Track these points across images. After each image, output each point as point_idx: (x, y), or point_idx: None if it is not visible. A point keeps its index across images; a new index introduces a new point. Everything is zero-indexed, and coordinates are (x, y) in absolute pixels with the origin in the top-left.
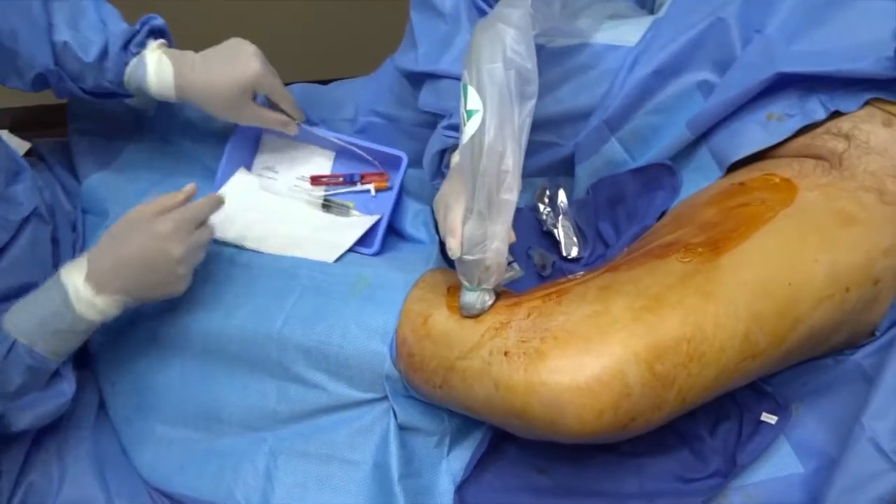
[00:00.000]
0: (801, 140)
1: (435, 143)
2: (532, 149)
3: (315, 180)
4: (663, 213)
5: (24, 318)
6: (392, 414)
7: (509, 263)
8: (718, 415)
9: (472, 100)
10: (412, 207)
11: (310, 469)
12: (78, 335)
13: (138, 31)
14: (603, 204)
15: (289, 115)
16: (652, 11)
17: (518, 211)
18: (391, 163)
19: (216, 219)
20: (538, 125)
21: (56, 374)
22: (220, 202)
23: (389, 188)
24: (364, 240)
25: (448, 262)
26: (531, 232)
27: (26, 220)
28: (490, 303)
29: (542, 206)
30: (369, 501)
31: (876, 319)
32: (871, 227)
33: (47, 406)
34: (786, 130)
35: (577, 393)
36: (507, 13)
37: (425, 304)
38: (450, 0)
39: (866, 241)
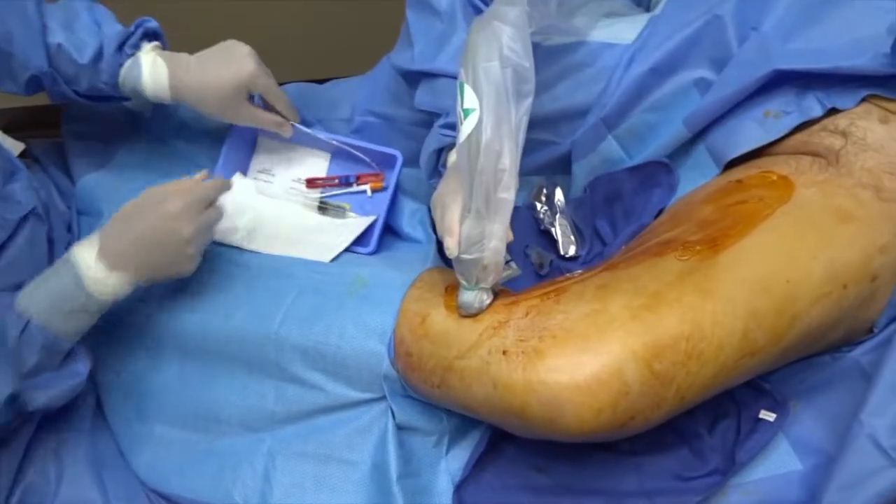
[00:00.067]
0: (798, 137)
1: (431, 142)
2: (529, 147)
3: (311, 183)
4: (660, 211)
5: (37, 298)
6: (390, 414)
7: (507, 262)
8: (717, 413)
9: (469, 98)
10: (409, 207)
11: (308, 469)
12: (90, 315)
13: (133, 34)
14: (600, 202)
15: (283, 116)
16: (648, 9)
17: (515, 209)
18: (386, 162)
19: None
20: (535, 123)
21: (70, 355)
22: (227, 185)
23: (385, 188)
24: (360, 239)
25: (446, 261)
26: (528, 230)
27: (24, 219)
28: (488, 302)
29: (539, 205)
30: (368, 501)
31: (874, 316)
32: (869, 223)
33: (62, 386)
34: (783, 128)
35: (575, 392)
36: (503, 11)
37: (423, 304)
38: None
39: (863, 238)
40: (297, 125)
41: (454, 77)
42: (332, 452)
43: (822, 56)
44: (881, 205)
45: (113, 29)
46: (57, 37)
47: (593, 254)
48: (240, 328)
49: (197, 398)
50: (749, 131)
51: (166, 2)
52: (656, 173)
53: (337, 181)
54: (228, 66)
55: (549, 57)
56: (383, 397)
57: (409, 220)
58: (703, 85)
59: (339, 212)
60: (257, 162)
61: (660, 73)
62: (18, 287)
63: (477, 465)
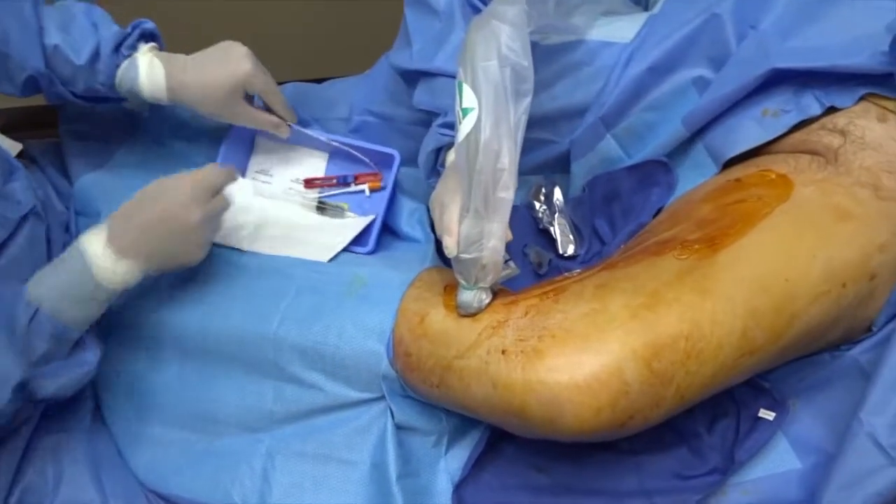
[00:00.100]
0: (797, 136)
1: (430, 141)
2: (527, 146)
3: (309, 183)
4: (659, 210)
5: (46, 286)
6: (389, 414)
7: (506, 262)
8: (716, 412)
9: (468, 98)
10: (407, 206)
11: (307, 469)
12: (99, 304)
13: (129, 34)
14: (599, 201)
15: (280, 117)
16: (646, 8)
17: (514, 209)
18: (384, 161)
19: None
20: (533, 122)
21: (79, 344)
22: (233, 175)
23: (383, 188)
24: (359, 239)
25: (444, 260)
26: (527, 230)
27: (24, 218)
28: (487, 301)
29: (537, 204)
30: (367, 501)
31: (872, 315)
32: (867, 222)
33: (71, 375)
34: (781, 126)
35: (575, 391)
36: (501, 10)
37: (422, 304)
38: None
39: (862, 237)
40: (295, 126)
41: (452, 76)
42: (331, 452)
43: (820, 54)
44: (880, 203)
45: (109, 30)
46: (54, 38)
47: (592, 253)
48: (238, 328)
49: (196, 398)
50: (748, 130)
51: (164, 2)
52: (655, 172)
53: (335, 181)
54: (225, 66)
55: (547, 56)
56: (382, 397)
57: (408, 219)
58: (701, 84)
59: (337, 211)
60: (255, 162)
61: (658, 71)
62: None
63: (476, 465)
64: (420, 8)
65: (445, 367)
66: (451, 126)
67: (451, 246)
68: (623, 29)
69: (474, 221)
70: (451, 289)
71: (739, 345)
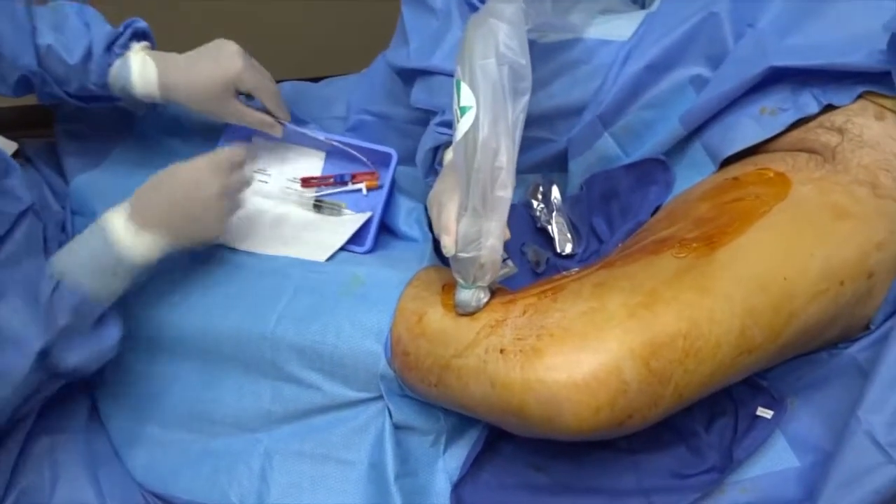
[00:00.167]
0: (795, 134)
1: (428, 140)
2: (525, 145)
3: (306, 182)
4: (657, 209)
5: (69, 260)
6: (387, 413)
7: (504, 260)
8: (714, 410)
9: (466, 96)
10: (405, 205)
11: (305, 469)
12: (120, 279)
13: (121, 34)
14: (596, 199)
15: (273, 115)
16: (644, 6)
17: (511, 207)
18: (381, 160)
19: None
20: (531, 121)
21: (101, 320)
22: (252, 152)
23: (380, 186)
24: (357, 238)
25: (442, 259)
26: (525, 228)
27: (23, 214)
28: (485, 300)
29: (535, 203)
30: (365, 501)
31: (870, 313)
32: (865, 220)
33: (92, 349)
34: (779, 124)
35: (573, 390)
36: (499, 8)
37: (420, 303)
38: None
39: (860, 235)
40: (293, 125)
41: (450, 74)
42: (330, 452)
43: (818, 53)
44: (877, 201)
45: (102, 30)
46: (46, 38)
47: (590, 251)
48: (236, 328)
49: (193, 398)
50: (745, 128)
51: (164, 1)
52: (653, 170)
53: (332, 180)
54: (216, 63)
55: (545, 54)
56: (380, 396)
57: (406, 218)
58: (699, 82)
59: (334, 210)
60: (252, 161)
61: (656, 70)
62: None
63: (475, 465)
64: (417, 6)
65: (443, 366)
66: (449, 124)
67: (449, 245)
68: (621, 27)
69: (472, 220)
70: (449, 288)
71: (738, 343)
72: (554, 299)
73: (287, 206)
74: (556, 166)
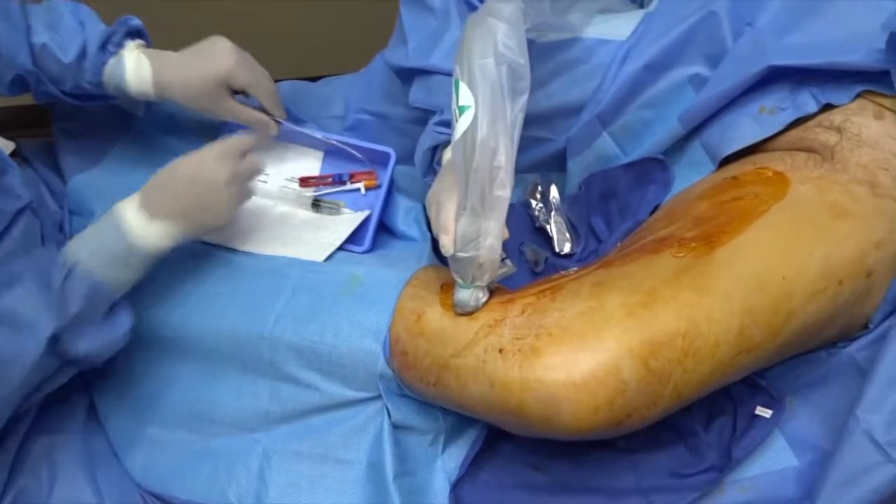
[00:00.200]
0: (793, 133)
1: (426, 139)
2: (524, 144)
3: (304, 182)
4: (656, 208)
5: (81, 249)
6: (386, 413)
7: (502, 260)
8: (713, 409)
9: (464, 95)
10: (403, 204)
11: (303, 469)
12: (132, 268)
13: (115, 32)
14: (595, 199)
15: (268, 114)
16: (642, 6)
17: (510, 207)
18: (379, 159)
19: None
20: (530, 120)
21: (113, 310)
22: (261, 139)
23: (379, 186)
24: (355, 238)
25: (441, 259)
26: (523, 228)
27: (21, 212)
28: (484, 300)
29: (534, 202)
30: (364, 501)
31: (869, 312)
32: (864, 219)
33: (103, 338)
34: (778, 124)
35: (572, 389)
36: (498, 8)
37: (418, 302)
38: None
39: (859, 234)
40: (292, 125)
41: (449, 74)
42: (328, 452)
43: (816, 52)
44: (876, 201)
45: (96, 28)
46: (41, 37)
47: (588, 251)
48: (234, 328)
49: (191, 398)
50: (744, 127)
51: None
52: (651, 170)
53: (330, 179)
54: (209, 61)
55: (543, 54)
56: (379, 396)
57: (404, 217)
58: (697, 81)
59: (333, 209)
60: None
61: (654, 69)
62: None
63: (473, 464)
64: (416, 6)
65: (442, 365)
66: (448, 124)
67: (447, 244)
68: (619, 26)
69: (471, 220)
70: (447, 287)
71: (736, 343)
72: (552, 299)
73: (285, 205)
74: (555, 166)
